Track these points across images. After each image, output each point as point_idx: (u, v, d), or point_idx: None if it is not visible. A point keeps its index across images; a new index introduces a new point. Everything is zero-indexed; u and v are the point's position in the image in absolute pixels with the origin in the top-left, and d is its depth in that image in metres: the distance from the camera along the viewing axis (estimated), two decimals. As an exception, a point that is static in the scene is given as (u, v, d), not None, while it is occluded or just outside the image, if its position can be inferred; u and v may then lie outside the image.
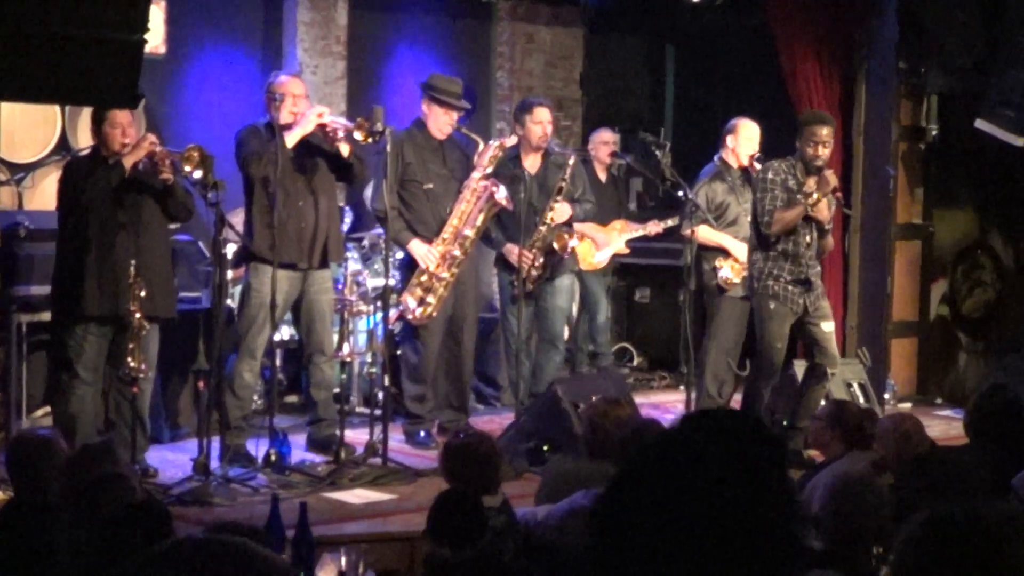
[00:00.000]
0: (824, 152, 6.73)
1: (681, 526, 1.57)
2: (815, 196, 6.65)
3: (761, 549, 1.58)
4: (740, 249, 7.38)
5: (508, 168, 7.29)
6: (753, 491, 1.59)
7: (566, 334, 7.92)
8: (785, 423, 6.86)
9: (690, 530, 1.57)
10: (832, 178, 6.73)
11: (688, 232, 7.38)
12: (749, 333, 7.26)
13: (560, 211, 7.33)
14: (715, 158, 7.66)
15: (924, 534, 1.93)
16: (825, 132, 6.74)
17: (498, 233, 7.38)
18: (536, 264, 7.30)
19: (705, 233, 7.51)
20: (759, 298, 6.83)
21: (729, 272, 7.44)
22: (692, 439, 1.64)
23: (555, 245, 7.34)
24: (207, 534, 1.69)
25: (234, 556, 1.57)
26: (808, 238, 6.79)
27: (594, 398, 5.92)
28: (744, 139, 7.52)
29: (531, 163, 7.42)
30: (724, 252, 7.50)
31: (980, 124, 8.04)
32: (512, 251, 7.30)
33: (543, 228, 7.31)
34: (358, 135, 6.40)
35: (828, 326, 6.90)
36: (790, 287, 6.77)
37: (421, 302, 7.03)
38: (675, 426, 1.73)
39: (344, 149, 6.56)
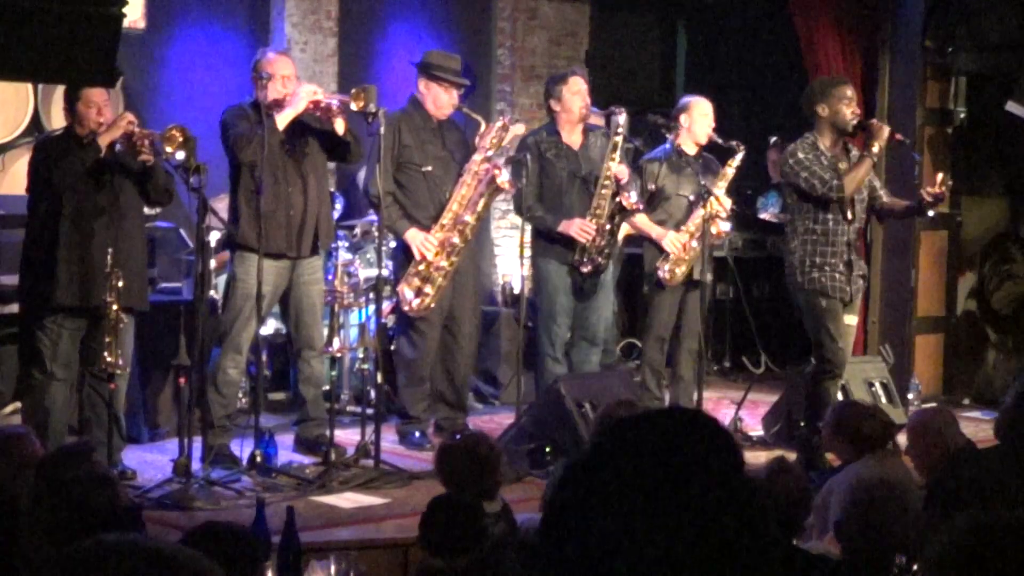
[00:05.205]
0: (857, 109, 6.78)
1: (634, 518, 1.60)
2: (877, 147, 6.63)
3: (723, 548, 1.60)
4: (671, 241, 7.37)
5: (552, 147, 7.27)
6: (711, 491, 1.61)
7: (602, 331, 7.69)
8: (803, 424, 6.83)
9: (644, 524, 1.60)
10: (884, 125, 6.75)
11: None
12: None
13: (618, 170, 7.23)
14: (667, 140, 7.65)
15: (968, 541, 1.93)
16: (852, 91, 6.80)
17: (547, 214, 7.25)
18: (604, 230, 7.22)
19: (639, 222, 7.48)
20: (806, 294, 6.64)
21: (667, 270, 7.42)
22: (654, 433, 1.67)
23: (623, 203, 7.19)
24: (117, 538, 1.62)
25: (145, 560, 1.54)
26: (849, 213, 6.69)
27: (605, 401, 5.86)
28: (698, 116, 7.47)
29: (572, 138, 7.37)
30: (659, 247, 7.44)
31: (1011, 107, 8.04)
32: (570, 225, 7.20)
33: (604, 191, 7.22)
34: (354, 105, 6.38)
35: (852, 320, 6.87)
36: (836, 274, 6.64)
37: (419, 293, 7.00)
38: (638, 418, 1.76)
39: (339, 126, 6.53)
